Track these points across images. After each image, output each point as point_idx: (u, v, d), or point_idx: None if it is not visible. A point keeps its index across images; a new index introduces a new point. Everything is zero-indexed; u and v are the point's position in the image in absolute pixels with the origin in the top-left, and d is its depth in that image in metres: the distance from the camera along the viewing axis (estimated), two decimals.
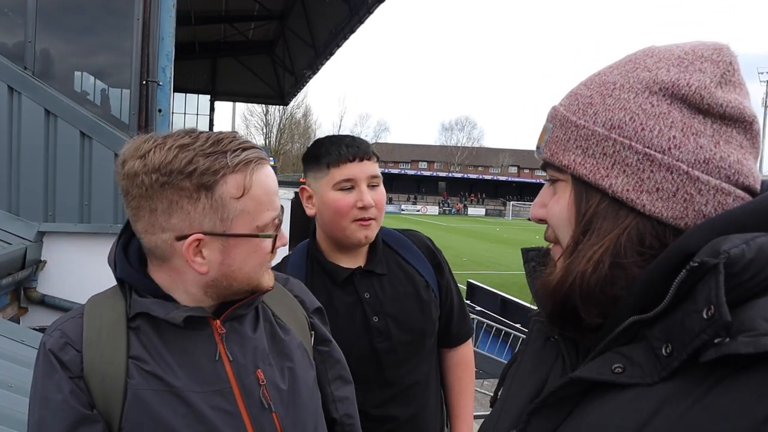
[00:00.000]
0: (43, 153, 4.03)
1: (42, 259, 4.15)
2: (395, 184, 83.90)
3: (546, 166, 0.88)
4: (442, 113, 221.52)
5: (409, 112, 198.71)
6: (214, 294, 1.21)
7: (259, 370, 1.23)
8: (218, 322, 1.22)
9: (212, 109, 21.37)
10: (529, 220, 0.88)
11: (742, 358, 0.62)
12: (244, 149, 1.16)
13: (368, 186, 1.81)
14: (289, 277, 1.52)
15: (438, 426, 2.01)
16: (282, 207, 1.25)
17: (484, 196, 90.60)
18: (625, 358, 0.74)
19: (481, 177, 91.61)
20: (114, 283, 1.26)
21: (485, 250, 31.31)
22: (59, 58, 4.79)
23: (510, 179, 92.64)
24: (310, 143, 1.93)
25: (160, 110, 4.11)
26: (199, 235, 1.13)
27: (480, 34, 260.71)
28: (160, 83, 4.10)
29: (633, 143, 0.77)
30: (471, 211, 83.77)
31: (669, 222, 0.76)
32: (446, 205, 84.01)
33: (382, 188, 1.86)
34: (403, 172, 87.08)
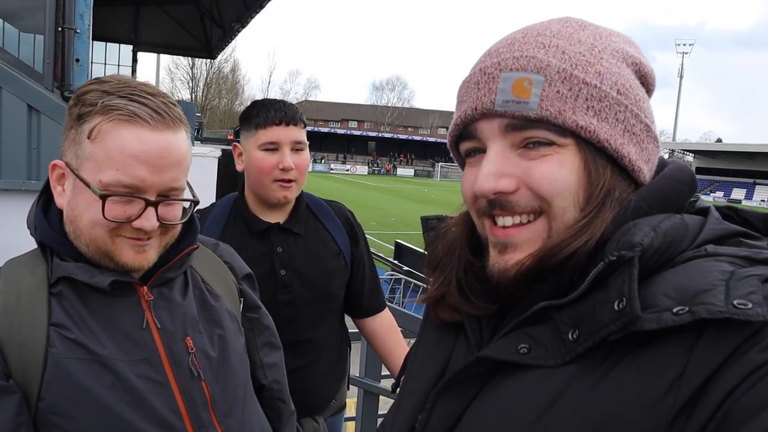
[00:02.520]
0: None
1: None
2: (325, 143, 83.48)
3: (532, 125, 0.75)
4: (374, 73, 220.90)
5: (340, 70, 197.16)
6: (79, 246, 1.14)
7: (188, 338, 1.19)
8: (145, 288, 1.17)
9: (135, 60, 20.43)
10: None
11: (644, 333, 0.64)
12: (131, 99, 1.08)
13: (292, 150, 1.93)
14: (218, 242, 1.48)
15: (332, 383, 2.15)
16: (194, 201, 1.18)
17: (413, 156, 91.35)
18: (531, 338, 0.74)
19: (410, 138, 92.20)
20: (26, 242, 1.19)
21: (413, 211, 31.60)
22: None
23: (439, 140, 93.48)
24: (239, 100, 1.97)
25: (77, 60, 3.87)
26: (60, 162, 1.13)
27: None
28: (78, 31, 3.85)
29: (637, 112, 0.77)
30: (400, 171, 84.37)
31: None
32: (376, 165, 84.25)
33: (306, 153, 1.99)
34: (333, 131, 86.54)
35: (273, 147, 1.90)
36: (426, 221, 0.98)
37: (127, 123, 1.07)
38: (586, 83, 0.74)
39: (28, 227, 1.17)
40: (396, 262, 14.85)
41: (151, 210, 1.10)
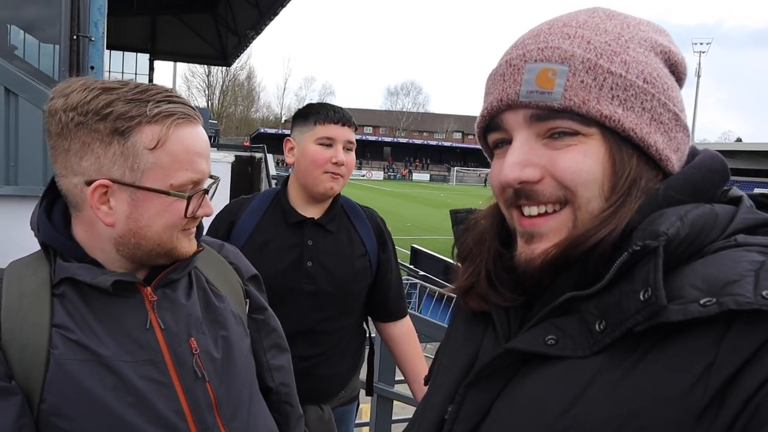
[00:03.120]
0: None
1: None
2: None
3: (556, 115, 0.75)
4: (388, 78, 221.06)
5: (355, 76, 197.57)
6: (127, 254, 1.15)
7: (192, 339, 1.19)
8: (149, 289, 1.17)
9: (152, 68, 20.64)
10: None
11: (672, 325, 0.63)
12: (171, 102, 1.10)
13: (344, 148, 2.09)
14: (224, 243, 1.48)
15: (343, 374, 2.23)
16: (216, 178, 1.20)
17: (428, 161, 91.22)
18: (558, 330, 0.74)
19: (426, 142, 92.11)
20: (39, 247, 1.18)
21: (429, 216, 31.59)
22: None
23: (454, 145, 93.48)
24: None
25: (92, 67, 3.90)
26: (106, 181, 1.07)
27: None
28: (92, 38, 3.89)
29: (665, 100, 0.76)
30: (416, 176, 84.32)
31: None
32: (391, 170, 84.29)
33: (353, 154, 2.15)
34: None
35: (328, 143, 2.06)
36: (455, 214, 0.98)
37: (184, 124, 1.12)
38: (611, 72, 0.74)
39: (32, 228, 1.17)
40: (412, 267, 14.82)
41: (206, 197, 1.19)
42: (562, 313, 0.75)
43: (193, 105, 1.16)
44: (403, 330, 2.36)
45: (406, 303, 2.42)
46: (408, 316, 2.39)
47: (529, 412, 0.73)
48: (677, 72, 0.80)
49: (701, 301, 0.61)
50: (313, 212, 2.13)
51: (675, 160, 0.77)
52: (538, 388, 0.73)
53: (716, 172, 0.78)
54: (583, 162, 0.74)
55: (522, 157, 0.77)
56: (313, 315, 2.08)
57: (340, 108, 2.11)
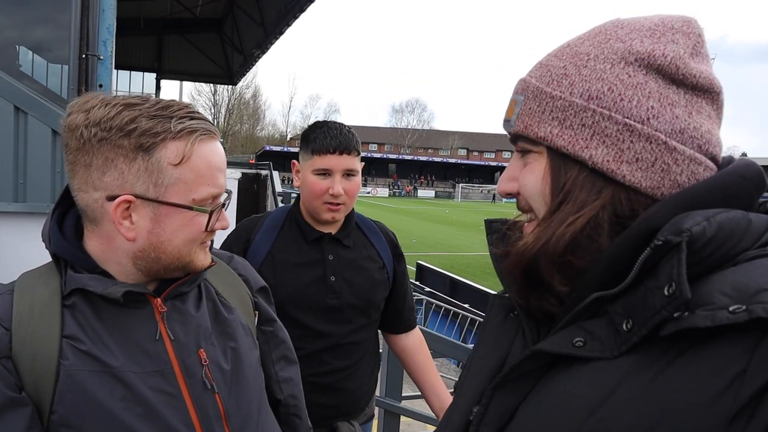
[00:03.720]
0: None
1: None
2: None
3: (517, 138, 0.86)
4: (393, 95, 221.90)
5: (360, 93, 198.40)
6: (144, 268, 1.16)
7: (202, 350, 1.19)
8: (159, 300, 1.17)
9: (158, 87, 20.79)
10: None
11: (701, 331, 0.63)
12: (192, 118, 1.12)
13: (343, 176, 2.03)
14: (233, 255, 1.48)
15: (368, 388, 2.26)
16: (230, 191, 1.21)
17: (433, 178, 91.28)
18: (586, 332, 0.75)
19: (430, 159, 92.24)
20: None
21: (434, 232, 31.54)
22: None
23: (459, 161, 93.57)
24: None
25: (101, 85, 3.95)
26: (129, 197, 1.08)
27: (432, 16, 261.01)
28: (101, 57, 3.93)
29: (612, 113, 0.77)
30: (421, 193, 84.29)
31: (647, 192, 0.77)
32: (396, 187, 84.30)
33: (356, 179, 2.09)
34: None
35: (325, 173, 2.02)
36: (490, 223, 1.01)
37: (206, 140, 1.14)
38: (552, 97, 0.81)
39: (43, 240, 1.18)
40: (418, 283, 14.79)
41: (224, 211, 1.20)
42: (590, 316, 0.76)
43: (211, 121, 1.18)
44: (416, 341, 2.37)
45: (415, 315, 2.43)
46: (418, 327, 2.39)
47: (555, 415, 0.73)
48: (666, 72, 0.77)
49: (730, 308, 0.61)
50: (328, 228, 2.14)
51: (627, 171, 0.76)
52: (565, 390, 0.74)
53: (750, 180, 0.76)
54: (530, 177, 0.84)
55: (508, 173, 0.89)
56: (340, 328, 2.09)
57: (341, 131, 2.04)
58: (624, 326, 0.70)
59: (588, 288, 0.76)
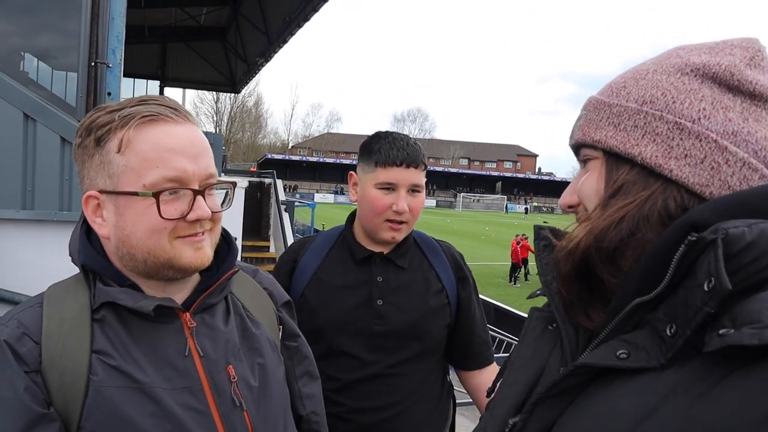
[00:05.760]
0: None
1: None
2: (347, 175, 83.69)
3: (579, 147, 0.91)
4: (395, 104, 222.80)
5: (362, 102, 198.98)
6: (131, 267, 1.13)
7: (230, 366, 1.17)
8: (188, 314, 1.15)
9: (161, 95, 20.85)
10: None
11: (750, 351, 0.60)
12: (144, 103, 1.10)
13: (409, 191, 1.87)
14: (257, 269, 1.46)
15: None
16: (230, 183, 1.19)
17: (435, 187, 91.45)
18: (630, 344, 0.74)
19: (432, 168, 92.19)
20: (56, 271, 1.18)
21: None
22: (2, 37, 4.57)
23: (461, 171, 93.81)
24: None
25: (109, 93, 3.94)
26: (94, 192, 1.10)
27: (434, 26, 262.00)
28: (110, 65, 3.93)
29: (664, 114, 0.79)
30: None
31: (695, 189, 0.76)
32: None
33: (422, 195, 1.92)
34: (355, 162, 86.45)
35: (390, 187, 1.85)
36: (539, 230, 1.01)
37: (151, 123, 1.08)
38: (610, 105, 0.85)
39: (70, 253, 1.16)
40: None
41: (200, 199, 1.10)
42: (630, 329, 0.76)
43: (179, 106, 1.13)
44: (491, 379, 2.07)
45: (492, 349, 2.13)
46: (495, 363, 2.07)
47: (595, 429, 0.72)
48: (721, 79, 0.78)
49: None
50: (382, 247, 1.94)
51: (675, 166, 0.77)
52: (606, 404, 0.73)
53: None
54: (587, 181, 0.87)
55: (570, 187, 0.93)
56: (386, 358, 1.86)
57: (408, 143, 1.87)
58: (668, 331, 0.70)
59: (626, 294, 0.76)
